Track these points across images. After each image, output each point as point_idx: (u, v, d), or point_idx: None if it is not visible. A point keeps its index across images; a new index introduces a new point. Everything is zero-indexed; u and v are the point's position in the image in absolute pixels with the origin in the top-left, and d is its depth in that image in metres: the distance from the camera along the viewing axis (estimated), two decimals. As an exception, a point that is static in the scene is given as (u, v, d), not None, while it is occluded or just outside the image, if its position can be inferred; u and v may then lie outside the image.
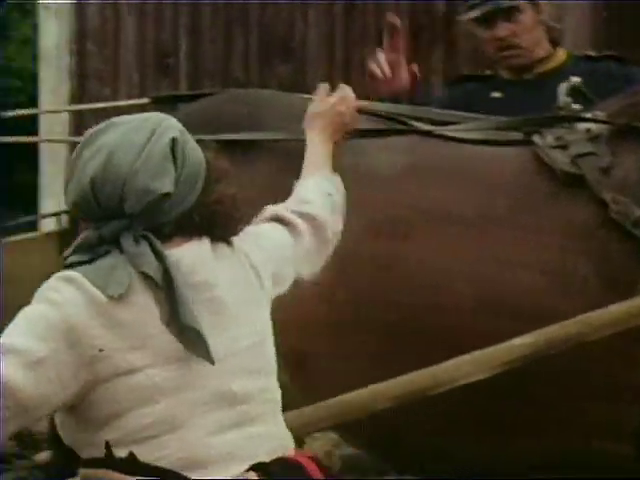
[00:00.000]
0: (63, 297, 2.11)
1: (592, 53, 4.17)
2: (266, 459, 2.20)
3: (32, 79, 9.79)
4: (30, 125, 6.30)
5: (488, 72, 4.17)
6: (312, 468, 2.28)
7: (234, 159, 3.17)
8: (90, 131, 2.25)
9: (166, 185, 2.17)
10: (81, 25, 7.26)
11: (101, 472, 2.13)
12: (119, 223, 2.16)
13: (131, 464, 2.11)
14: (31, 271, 3.53)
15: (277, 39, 7.29)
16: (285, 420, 2.39)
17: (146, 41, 7.38)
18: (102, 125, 2.25)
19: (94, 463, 2.15)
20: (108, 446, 2.12)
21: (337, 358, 3.09)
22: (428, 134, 3.30)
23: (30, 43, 12.10)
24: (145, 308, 2.13)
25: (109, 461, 2.12)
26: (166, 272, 2.12)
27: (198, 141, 2.27)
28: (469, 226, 3.13)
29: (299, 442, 3.40)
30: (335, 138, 2.91)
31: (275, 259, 2.42)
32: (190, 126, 3.24)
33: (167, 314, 2.11)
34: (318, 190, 2.67)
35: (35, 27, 8.12)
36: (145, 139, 2.19)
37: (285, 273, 2.47)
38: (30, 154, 7.75)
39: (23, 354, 2.05)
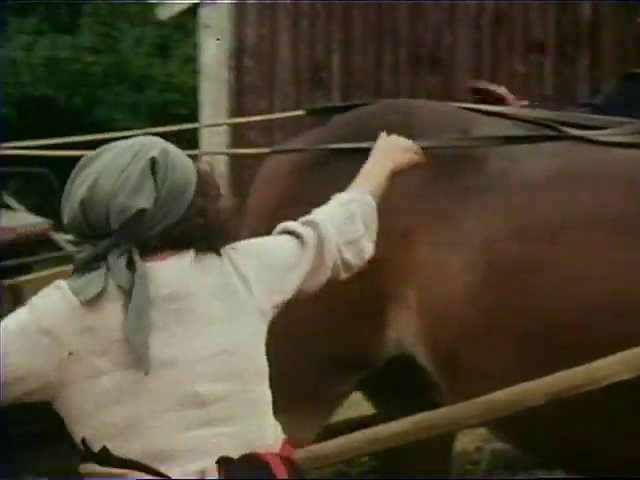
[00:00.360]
0: (44, 302, 2.22)
1: None
2: (235, 456, 2.25)
3: (193, 93, 10.04)
4: (191, 134, 6.45)
5: None
6: (278, 467, 2.30)
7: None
8: (84, 158, 2.33)
9: (142, 202, 2.24)
10: (239, 42, 7.41)
11: (89, 466, 2.23)
12: (108, 241, 2.25)
13: (105, 457, 2.21)
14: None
15: (426, 51, 7.32)
16: (437, 417, 2.50)
17: (300, 56, 7.49)
18: (96, 151, 2.33)
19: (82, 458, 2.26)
20: (84, 442, 2.22)
21: (485, 359, 3.08)
22: (580, 139, 3.25)
23: (191, 61, 12.43)
24: (114, 315, 2.20)
25: (88, 455, 2.22)
26: (133, 284, 2.20)
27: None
28: (618, 231, 3.08)
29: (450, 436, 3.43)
30: (394, 166, 2.90)
31: (277, 268, 2.43)
32: (343, 136, 3.31)
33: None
34: (339, 204, 2.65)
35: (196, 45, 8.31)
36: (128, 161, 2.27)
37: (288, 281, 2.46)
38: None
39: None
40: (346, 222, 2.59)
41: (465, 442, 4.93)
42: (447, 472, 3.58)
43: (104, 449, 2.21)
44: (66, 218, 2.32)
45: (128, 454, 2.22)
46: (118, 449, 2.22)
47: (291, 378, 3.11)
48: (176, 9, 7.64)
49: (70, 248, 4.23)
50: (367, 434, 2.83)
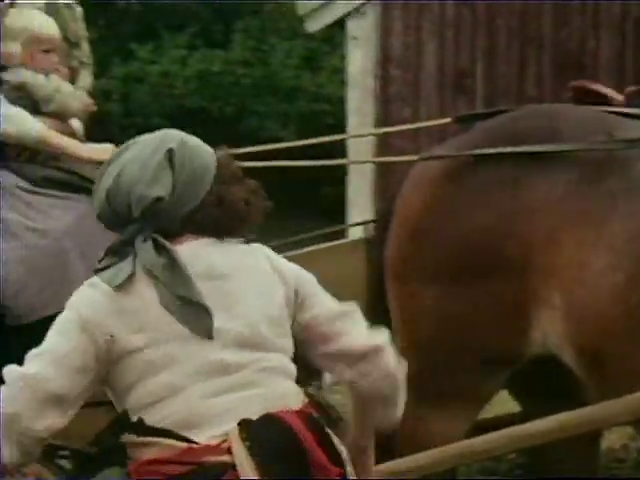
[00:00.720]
0: (79, 298, 2.38)
1: None
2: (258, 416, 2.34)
3: (339, 103, 10.14)
4: (339, 142, 6.49)
5: None
6: (296, 422, 2.36)
7: (532, 170, 3.20)
8: (113, 153, 2.51)
9: (159, 190, 2.37)
10: (385, 52, 7.43)
11: (127, 437, 2.38)
12: (132, 227, 2.40)
13: (140, 427, 2.34)
14: (340, 274, 3.64)
15: (570, 57, 7.22)
16: (583, 415, 2.52)
17: (445, 65, 7.47)
18: (122, 146, 2.49)
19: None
20: (125, 413, 2.37)
21: (633, 357, 3.04)
22: None
23: (338, 71, 12.53)
24: (146, 296, 2.33)
25: (127, 426, 2.37)
26: (166, 264, 2.34)
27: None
28: None
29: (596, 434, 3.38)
30: None
31: (305, 286, 2.52)
32: (489, 141, 3.29)
33: (166, 298, 2.32)
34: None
35: (343, 57, 8.37)
36: (148, 153, 2.41)
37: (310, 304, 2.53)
38: (337, 169, 8.00)
39: (50, 353, 2.34)
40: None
41: (612, 440, 4.84)
42: (593, 470, 3.52)
43: (139, 420, 2.34)
44: (96, 209, 2.49)
45: (161, 423, 2.33)
46: (152, 419, 2.33)
47: (441, 376, 3.16)
48: (324, 22, 7.70)
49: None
50: (514, 431, 2.81)
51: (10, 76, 3.76)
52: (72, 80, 4.41)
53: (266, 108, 14.92)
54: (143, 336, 2.33)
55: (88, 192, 3.57)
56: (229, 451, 2.31)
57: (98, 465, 3.74)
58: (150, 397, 2.34)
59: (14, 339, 3.44)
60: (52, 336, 2.39)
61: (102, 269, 2.42)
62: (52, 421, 2.37)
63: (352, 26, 7.48)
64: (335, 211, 9.17)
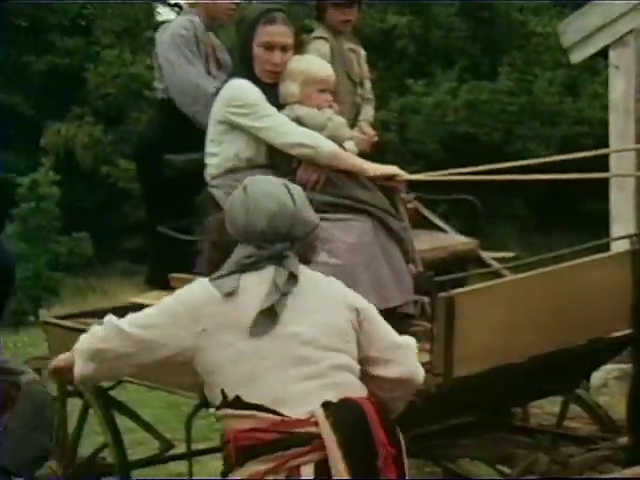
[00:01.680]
0: (189, 291, 2.77)
1: None
2: (334, 400, 2.64)
3: (599, 125, 9.86)
4: (601, 162, 6.34)
5: None
6: (368, 407, 2.66)
7: None
8: (245, 183, 2.84)
9: (316, 218, 2.83)
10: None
11: (225, 411, 2.69)
12: (282, 245, 2.75)
13: (238, 403, 2.65)
14: (606, 287, 3.53)
15: None
16: None
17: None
18: (250, 180, 2.86)
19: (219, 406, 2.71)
20: (223, 392, 2.68)
21: None
22: None
23: (598, 97, 12.22)
24: (247, 305, 2.68)
25: (223, 403, 2.68)
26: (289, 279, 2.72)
27: None
28: None
29: None
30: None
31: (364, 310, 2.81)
32: None
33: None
34: None
35: (604, 83, 8.14)
36: (285, 190, 2.80)
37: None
38: (599, 186, 7.82)
39: (142, 319, 2.76)
40: None
41: None
42: None
43: (236, 397, 2.66)
44: (240, 227, 2.77)
45: (256, 400, 2.64)
46: (248, 396, 2.65)
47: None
48: (588, 53, 7.52)
49: (496, 265, 4.27)
50: None
51: (288, 112, 3.89)
52: (356, 114, 4.52)
53: (530, 132, 14.79)
54: (233, 333, 2.67)
55: (364, 213, 3.65)
56: (315, 425, 2.61)
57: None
58: (241, 380, 2.66)
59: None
60: (158, 311, 2.77)
61: (218, 277, 2.74)
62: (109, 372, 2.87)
63: (614, 55, 7.27)
64: (598, 226, 8.92)
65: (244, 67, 3.94)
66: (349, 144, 3.97)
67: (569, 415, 4.36)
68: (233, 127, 3.85)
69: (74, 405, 4.48)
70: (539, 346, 3.36)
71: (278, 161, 3.86)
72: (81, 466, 4.58)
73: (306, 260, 2.83)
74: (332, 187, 3.80)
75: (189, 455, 4.17)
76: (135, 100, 20.80)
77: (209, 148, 3.94)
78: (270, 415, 2.63)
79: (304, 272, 2.79)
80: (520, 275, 3.46)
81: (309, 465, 2.61)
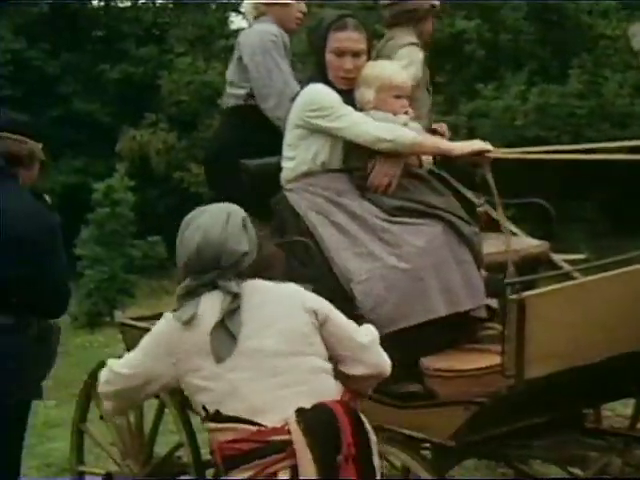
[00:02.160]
0: (158, 328, 3.04)
1: None
2: (308, 406, 2.82)
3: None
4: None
5: None
6: (338, 409, 2.83)
7: None
8: (187, 217, 3.08)
9: (244, 247, 3.00)
10: None
11: (209, 424, 2.91)
12: (214, 273, 2.97)
13: (218, 417, 2.86)
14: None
15: None
16: None
17: None
18: (194, 212, 3.07)
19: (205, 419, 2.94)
20: (204, 408, 2.91)
21: None
22: None
23: None
24: (204, 329, 2.91)
25: (207, 417, 2.90)
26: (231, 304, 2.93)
27: None
28: None
29: None
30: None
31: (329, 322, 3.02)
32: None
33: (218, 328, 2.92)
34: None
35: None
36: (224, 219, 3.00)
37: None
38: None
39: (129, 360, 3.08)
40: None
41: None
42: None
43: (216, 411, 2.87)
44: (181, 258, 3.03)
45: (234, 413, 2.84)
46: (225, 410, 2.85)
47: None
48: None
49: (567, 267, 4.24)
50: None
51: None
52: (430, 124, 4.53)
53: (600, 134, 14.60)
54: (203, 357, 2.89)
55: (435, 217, 3.65)
56: (289, 432, 2.78)
57: (455, 457, 3.82)
58: (218, 397, 2.87)
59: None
60: (138, 351, 3.06)
61: (179, 307, 2.98)
62: (125, 403, 3.20)
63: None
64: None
65: (319, 73, 3.97)
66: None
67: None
68: (311, 131, 3.86)
69: (150, 405, 4.53)
70: (610, 348, 3.32)
71: (352, 166, 3.88)
72: (157, 465, 4.64)
73: (263, 277, 3.07)
74: (404, 192, 3.80)
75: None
76: (208, 107, 20.95)
77: (286, 152, 3.97)
78: (248, 426, 2.83)
79: (260, 286, 3.03)
80: (591, 277, 3.42)
81: (285, 470, 2.78)
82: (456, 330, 3.72)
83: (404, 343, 3.59)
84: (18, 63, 24.27)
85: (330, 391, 2.90)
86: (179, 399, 4.43)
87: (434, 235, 3.64)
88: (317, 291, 3.61)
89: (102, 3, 27.11)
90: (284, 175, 3.98)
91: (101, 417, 4.73)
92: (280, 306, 2.97)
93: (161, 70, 22.93)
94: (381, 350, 3.09)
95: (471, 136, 15.32)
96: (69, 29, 25.96)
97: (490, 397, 3.29)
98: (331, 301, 3.53)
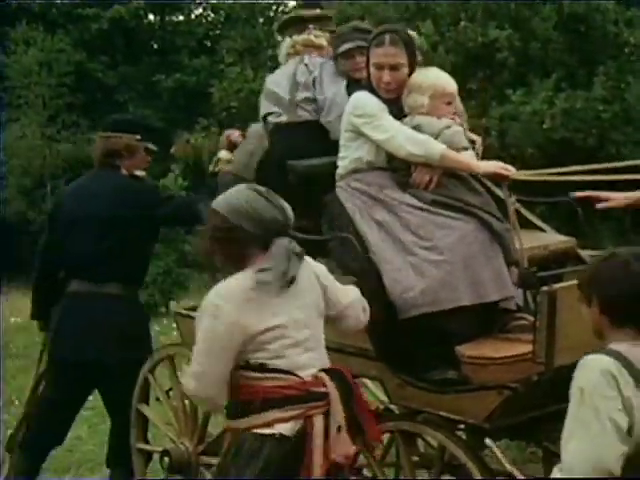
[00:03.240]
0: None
1: None
2: (323, 367, 3.32)
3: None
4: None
5: None
6: (348, 375, 3.35)
7: None
8: (240, 199, 3.36)
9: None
10: None
11: (255, 374, 3.27)
12: (284, 239, 3.32)
13: (262, 368, 3.24)
14: None
15: None
16: None
17: None
18: (225, 196, 3.41)
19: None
20: (247, 361, 3.26)
21: None
22: None
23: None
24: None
25: (249, 367, 3.26)
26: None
27: None
28: None
29: None
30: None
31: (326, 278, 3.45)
32: None
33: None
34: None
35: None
36: (265, 201, 3.34)
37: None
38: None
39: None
40: None
41: None
42: None
43: (261, 364, 3.23)
44: (258, 228, 3.29)
45: (280, 366, 3.23)
46: (271, 364, 3.23)
47: None
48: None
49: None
50: None
51: (408, 119, 3.93)
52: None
53: (624, 137, 14.51)
54: (264, 322, 3.23)
55: (470, 214, 3.65)
56: (324, 385, 3.25)
57: (489, 436, 3.80)
58: (268, 355, 3.23)
59: (399, 331, 3.58)
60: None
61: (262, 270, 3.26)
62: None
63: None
64: None
65: (368, 82, 4.03)
66: (467, 153, 3.96)
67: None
68: (358, 134, 3.93)
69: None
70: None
71: (396, 165, 3.92)
72: (210, 443, 4.68)
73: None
74: (444, 189, 3.82)
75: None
76: (255, 112, 21.02)
77: (340, 152, 4.05)
78: (291, 376, 3.23)
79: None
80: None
81: (320, 416, 3.21)
82: (488, 320, 3.73)
83: (441, 332, 3.61)
84: (79, 73, 24.52)
85: (327, 362, 3.42)
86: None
87: (466, 231, 3.65)
88: (358, 284, 3.65)
89: (158, 17, 27.30)
90: (338, 172, 4.05)
91: (157, 399, 4.80)
92: (307, 281, 3.35)
93: (212, 79, 23.10)
94: (361, 301, 3.57)
95: (502, 138, 15.28)
96: (126, 43, 26.18)
97: (522, 383, 3.28)
98: (372, 296, 3.56)
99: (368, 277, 3.69)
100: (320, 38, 4.65)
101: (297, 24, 4.73)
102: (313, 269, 3.40)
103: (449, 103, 3.95)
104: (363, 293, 3.64)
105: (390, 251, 3.69)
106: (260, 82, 21.93)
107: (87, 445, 6.66)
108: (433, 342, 3.64)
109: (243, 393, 3.26)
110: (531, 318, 3.46)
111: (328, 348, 3.87)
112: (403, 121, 3.94)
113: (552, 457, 4.33)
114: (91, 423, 7.04)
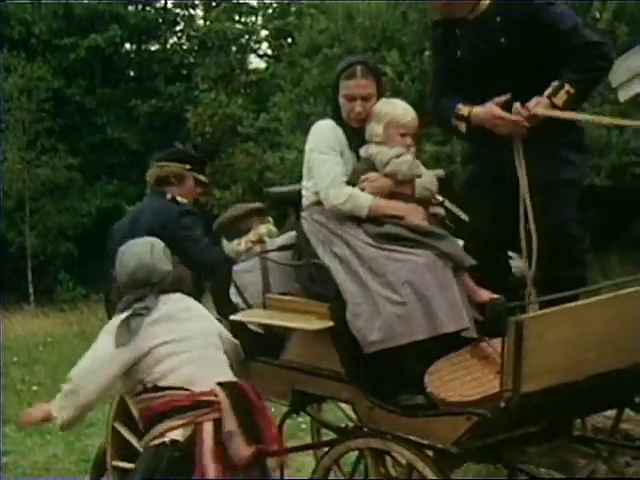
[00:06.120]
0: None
1: None
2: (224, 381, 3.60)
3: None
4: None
5: None
6: (247, 387, 3.62)
7: None
8: (121, 249, 3.84)
9: (169, 267, 3.78)
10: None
11: (147, 395, 3.62)
12: (144, 290, 3.69)
13: (156, 389, 3.57)
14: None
15: None
16: None
17: None
18: (127, 244, 3.84)
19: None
20: (143, 384, 3.61)
21: None
22: None
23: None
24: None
25: (144, 391, 3.64)
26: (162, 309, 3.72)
27: None
28: None
29: None
30: None
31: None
32: None
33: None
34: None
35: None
36: (149, 248, 3.77)
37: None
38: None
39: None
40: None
41: None
42: None
43: (154, 386, 3.55)
44: (121, 278, 3.73)
45: (169, 385, 3.53)
46: (163, 384, 3.54)
47: None
48: (634, 92, 7.43)
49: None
50: None
51: (364, 149, 3.91)
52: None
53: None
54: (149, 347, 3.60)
55: (423, 245, 3.59)
56: (215, 395, 3.50)
57: (457, 461, 3.76)
58: (159, 374, 3.55)
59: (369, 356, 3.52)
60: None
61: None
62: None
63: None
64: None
65: (335, 111, 4.00)
66: (420, 181, 3.92)
67: (625, 417, 4.24)
68: None
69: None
70: (599, 365, 3.30)
71: None
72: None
73: (178, 291, 3.80)
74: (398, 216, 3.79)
75: (280, 452, 4.20)
76: (229, 136, 21.00)
77: (303, 181, 4.00)
78: (183, 392, 3.51)
79: (181, 296, 3.80)
80: (582, 302, 3.39)
81: (209, 422, 3.46)
82: (455, 346, 3.67)
83: (407, 360, 3.56)
84: (58, 99, 24.41)
85: (231, 376, 3.68)
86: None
87: (417, 264, 3.58)
88: (332, 309, 3.60)
89: (134, 46, 27.24)
90: (302, 202, 4.00)
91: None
92: (198, 312, 3.82)
93: (187, 104, 23.06)
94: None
95: (466, 163, 15.29)
96: (104, 70, 26.10)
97: (489, 409, 3.25)
98: (344, 322, 3.51)
99: (340, 304, 3.65)
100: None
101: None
102: (202, 309, 3.88)
103: (404, 134, 3.89)
104: (336, 319, 3.59)
105: (349, 285, 3.64)
106: (234, 107, 21.98)
107: (63, 463, 6.56)
108: (401, 368, 3.59)
109: (145, 416, 3.60)
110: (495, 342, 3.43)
111: (301, 370, 3.82)
112: (361, 149, 3.90)
113: (518, 473, 4.31)
114: (67, 441, 6.95)
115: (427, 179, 3.94)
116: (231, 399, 3.48)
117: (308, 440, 5.51)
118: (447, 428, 3.35)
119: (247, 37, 26.44)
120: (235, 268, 4.16)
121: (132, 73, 26.94)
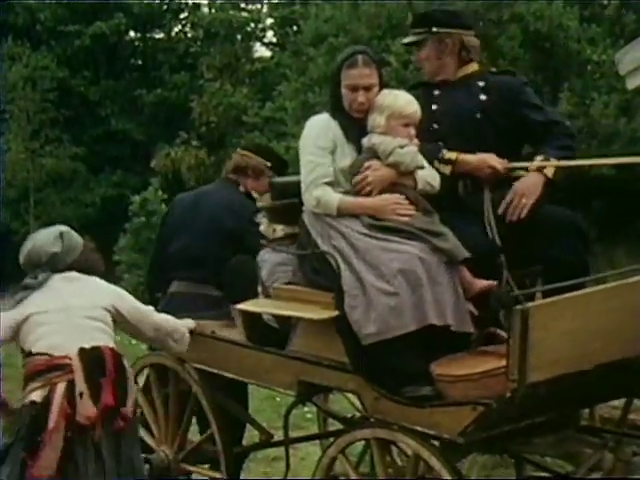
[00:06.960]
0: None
1: None
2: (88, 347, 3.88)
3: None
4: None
5: None
6: (106, 350, 3.91)
7: None
8: (31, 235, 4.24)
9: (55, 249, 4.08)
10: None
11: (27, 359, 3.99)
12: (39, 270, 4.05)
13: (32, 354, 3.92)
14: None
15: None
16: None
17: None
18: (36, 232, 4.22)
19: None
20: (22, 349, 4.00)
21: None
22: None
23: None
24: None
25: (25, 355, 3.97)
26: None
27: None
28: None
29: None
30: None
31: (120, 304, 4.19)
32: None
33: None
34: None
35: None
36: (47, 233, 4.14)
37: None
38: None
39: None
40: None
41: None
42: None
43: (29, 351, 3.92)
44: (22, 261, 4.12)
45: (38, 350, 3.87)
46: (35, 350, 3.89)
47: None
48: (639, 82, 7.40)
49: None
50: None
51: (366, 139, 3.88)
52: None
53: (588, 150, 14.59)
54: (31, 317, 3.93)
55: (417, 238, 3.59)
56: (70, 359, 3.80)
57: (463, 452, 3.77)
58: (31, 341, 3.91)
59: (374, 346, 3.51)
60: None
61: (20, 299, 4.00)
62: None
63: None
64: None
65: (336, 103, 3.96)
66: (422, 172, 3.91)
67: (633, 407, 4.24)
68: None
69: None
70: (605, 355, 3.30)
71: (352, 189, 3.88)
72: (190, 451, 4.61)
73: (90, 273, 4.13)
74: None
75: (286, 442, 4.30)
76: (234, 126, 21.00)
77: (302, 175, 3.98)
78: (45, 356, 3.85)
79: (75, 275, 4.08)
80: (587, 290, 3.38)
81: (62, 383, 3.78)
82: (458, 337, 3.66)
83: (414, 350, 3.57)
84: (62, 89, 24.39)
85: (105, 342, 3.93)
86: (211, 392, 4.43)
87: (411, 255, 3.57)
88: (336, 299, 3.61)
89: (139, 34, 27.19)
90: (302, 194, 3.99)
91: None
92: (89, 287, 4.07)
93: (192, 94, 23.02)
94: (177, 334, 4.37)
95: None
96: (108, 59, 26.07)
97: (495, 399, 3.25)
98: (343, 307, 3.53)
99: (341, 295, 3.65)
100: None
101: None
102: (101, 285, 4.14)
103: (406, 125, 3.88)
104: (341, 308, 3.58)
105: (347, 276, 3.64)
106: (239, 96, 21.95)
107: None
108: (406, 359, 3.60)
109: (24, 379, 3.93)
110: (503, 333, 3.43)
111: (306, 361, 3.82)
112: (362, 140, 3.89)
113: (525, 463, 4.32)
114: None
115: (430, 173, 3.92)
116: (85, 362, 3.81)
117: (314, 430, 5.53)
118: (453, 419, 3.35)
119: (252, 25, 26.39)
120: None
121: (137, 62, 26.92)
